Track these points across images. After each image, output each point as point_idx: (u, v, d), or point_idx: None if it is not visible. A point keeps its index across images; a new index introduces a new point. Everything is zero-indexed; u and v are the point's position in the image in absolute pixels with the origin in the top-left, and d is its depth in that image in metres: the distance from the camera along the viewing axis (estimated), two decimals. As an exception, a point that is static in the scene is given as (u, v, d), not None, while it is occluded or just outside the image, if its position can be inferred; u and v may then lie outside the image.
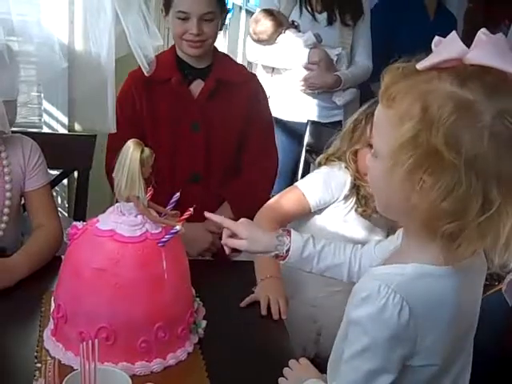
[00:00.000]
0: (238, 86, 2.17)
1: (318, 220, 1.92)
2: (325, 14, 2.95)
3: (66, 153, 2.22)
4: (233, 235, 1.42)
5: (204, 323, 1.53)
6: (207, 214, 1.48)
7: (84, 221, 1.51)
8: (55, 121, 2.75)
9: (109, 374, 1.22)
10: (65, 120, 2.74)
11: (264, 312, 1.66)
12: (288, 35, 2.96)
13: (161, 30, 2.09)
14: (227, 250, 1.45)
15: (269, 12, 2.95)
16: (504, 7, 4.12)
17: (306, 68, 2.95)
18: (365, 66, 3.03)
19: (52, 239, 1.83)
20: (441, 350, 1.06)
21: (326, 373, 1.23)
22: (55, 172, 2.31)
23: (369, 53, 3.05)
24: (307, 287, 1.88)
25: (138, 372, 1.37)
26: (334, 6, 2.95)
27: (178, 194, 1.51)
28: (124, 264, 1.37)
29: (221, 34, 4.77)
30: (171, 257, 1.41)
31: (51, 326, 1.46)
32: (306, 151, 2.49)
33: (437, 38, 1.01)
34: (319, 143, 2.36)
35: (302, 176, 2.42)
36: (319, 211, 1.90)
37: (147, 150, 1.38)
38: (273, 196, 1.98)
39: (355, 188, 1.85)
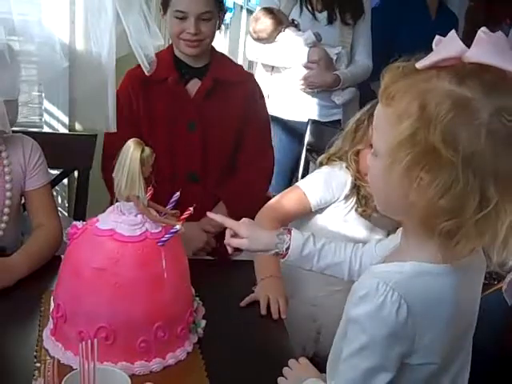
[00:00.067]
0: (235, 86, 2.16)
1: (319, 220, 1.92)
2: (325, 13, 2.95)
3: (66, 152, 2.23)
4: (235, 235, 1.43)
5: (203, 323, 1.53)
6: (210, 215, 1.50)
7: (84, 220, 1.51)
8: (56, 120, 2.75)
9: (108, 374, 1.22)
10: (65, 119, 2.75)
11: (264, 312, 1.66)
12: (288, 34, 2.96)
13: (162, 30, 2.08)
14: (230, 250, 1.46)
15: (269, 10, 2.95)
16: (505, 6, 4.13)
17: (306, 67, 2.95)
18: (364, 65, 3.03)
19: (52, 239, 1.83)
20: (439, 348, 1.06)
21: (325, 372, 1.23)
22: (55, 171, 2.32)
23: (369, 52, 3.05)
24: (307, 286, 1.89)
25: (138, 372, 1.37)
26: (334, 4, 2.94)
27: (178, 193, 1.51)
28: (124, 263, 1.37)
29: (222, 34, 4.78)
30: (171, 256, 1.41)
31: (51, 325, 1.46)
32: (307, 150, 2.49)
33: (437, 37, 1.01)
34: (320, 142, 2.36)
35: (303, 175, 2.42)
36: (320, 211, 1.90)
37: (147, 150, 1.38)
38: (273, 196, 1.98)
39: (355, 188, 1.85)
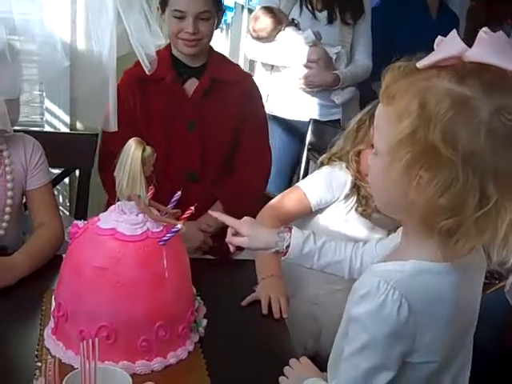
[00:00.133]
0: (233, 85, 2.16)
1: (320, 219, 1.92)
2: (325, 13, 2.95)
3: (67, 151, 2.23)
4: (236, 233, 1.44)
5: (205, 322, 1.53)
6: (212, 213, 1.51)
7: (85, 219, 1.51)
8: (57, 119, 2.76)
9: (109, 373, 1.22)
10: (66, 119, 2.75)
11: (265, 311, 1.66)
12: (287, 33, 2.96)
13: (163, 29, 2.08)
14: (232, 248, 1.47)
15: (268, 9, 2.95)
16: (507, 6, 4.13)
17: (305, 66, 2.94)
18: (364, 64, 3.03)
19: (53, 238, 1.83)
20: (440, 347, 1.07)
21: (326, 371, 1.23)
22: (57, 171, 2.32)
23: (369, 52, 3.05)
24: (308, 284, 1.89)
25: (139, 371, 1.37)
26: (334, 4, 2.95)
27: (179, 192, 1.51)
28: (125, 263, 1.37)
29: (223, 33, 4.77)
30: (172, 255, 1.42)
31: (52, 324, 1.46)
32: (308, 150, 2.49)
33: (439, 37, 1.01)
34: (321, 142, 2.37)
35: (304, 174, 2.43)
36: (320, 211, 1.91)
37: (149, 149, 1.38)
38: (274, 196, 1.98)
39: (356, 188, 1.86)
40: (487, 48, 0.96)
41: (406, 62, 1.02)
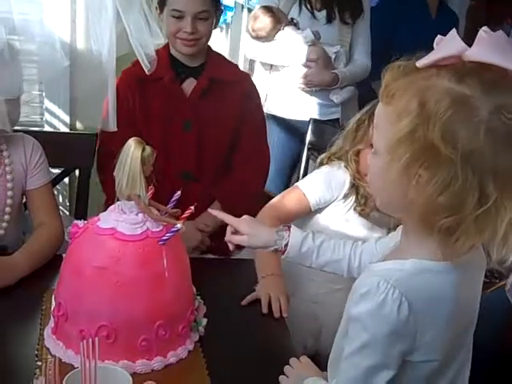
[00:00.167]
0: (231, 85, 2.16)
1: (320, 219, 1.92)
2: (324, 12, 2.95)
3: (67, 151, 2.23)
4: (235, 232, 1.44)
5: (205, 321, 1.53)
6: (211, 211, 1.51)
7: (85, 219, 1.51)
8: (57, 119, 2.76)
9: (109, 373, 1.22)
10: (66, 118, 2.75)
11: (265, 310, 1.66)
12: (286, 32, 2.95)
13: (162, 29, 2.08)
14: (231, 247, 1.47)
15: (268, 9, 2.94)
16: (506, 5, 4.12)
17: (304, 65, 2.94)
18: (363, 64, 3.02)
19: (53, 238, 1.83)
20: (440, 345, 1.07)
21: (326, 370, 1.23)
22: (56, 170, 2.32)
23: (368, 51, 3.04)
24: (308, 283, 1.89)
25: (139, 370, 1.37)
26: (333, 4, 2.94)
27: (179, 192, 1.51)
28: (125, 262, 1.37)
29: (223, 33, 4.77)
30: (172, 255, 1.42)
31: (52, 324, 1.46)
32: (308, 149, 2.49)
33: (438, 36, 1.01)
34: (321, 141, 2.37)
35: (304, 174, 2.43)
36: (320, 210, 1.91)
37: (148, 149, 1.38)
38: (274, 195, 1.98)
39: (354, 187, 1.86)
40: (487, 47, 0.96)
41: (406, 62, 1.02)
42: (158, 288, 1.39)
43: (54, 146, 2.04)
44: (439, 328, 1.05)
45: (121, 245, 1.38)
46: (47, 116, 2.77)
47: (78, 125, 2.76)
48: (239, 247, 1.51)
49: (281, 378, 1.31)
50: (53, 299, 1.49)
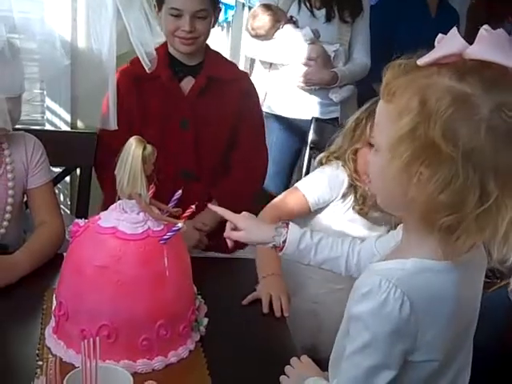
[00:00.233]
0: (229, 84, 2.16)
1: (321, 219, 1.93)
2: (323, 11, 2.94)
3: (68, 150, 2.23)
4: (234, 228, 1.44)
5: (205, 321, 1.52)
6: (211, 207, 1.51)
7: (86, 218, 1.51)
8: (58, 118, 2.75)
9: (110, 372, 1.22)
10: (67, 117, 2.75)
11: (266, 310, 1.66)
12: (286, 31, 2.95)
13: (161, 27, 2.08)
14: (230, 243, 1.47)
15: (267, 7, 2.94)
16: (507, 4, 4.12)
17: (304, 64, 2.94)
18: (363, 63, 3.02)
19: (54, 236, 1.83)
20: (441, 345, 1.06)
21: (327, 370, 1.23)
22: (57, 169, 2.32)
23: (367, 50, 3.04)
24: (309, 283, 1.89)
25: (140, 370, 1.37)
26: (332, 2, 2.94)
27: (180, 191, 1.51)
28: (126, 261, 1.37)
29: (223, 31, 4.76)
30: (173, 254, 1.41)
31: (53, 323, 1.46)
32: (310, 148, 2.49)
33: (439, 34, 1.01)
34: (321, 140, 2.36)
35: (306, 173, 2.43)
36: (320, 210, 1.91)
37: (149, 147, 1.38)
38: (274, 194, 1.99)
39: (353, 186, 1.86)
40: (488, 45, 0.96)
41: (407, 60, 1.02)
42: (159, 287, 1.39)
43: (55, 144, 2.04)
44: (440, 327, 1.05)
45: (122, 244, 1.38)
46: (48, 114, 2.76)
47: (79, 123, 2.76)
48: (238, 244, 1.51)
49: (282, 377, 1.30)
50: (54, 298, 1.49)
